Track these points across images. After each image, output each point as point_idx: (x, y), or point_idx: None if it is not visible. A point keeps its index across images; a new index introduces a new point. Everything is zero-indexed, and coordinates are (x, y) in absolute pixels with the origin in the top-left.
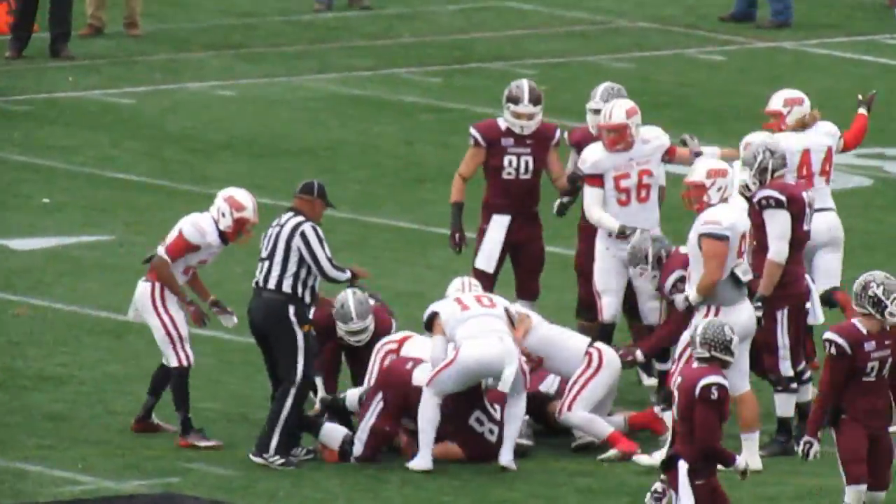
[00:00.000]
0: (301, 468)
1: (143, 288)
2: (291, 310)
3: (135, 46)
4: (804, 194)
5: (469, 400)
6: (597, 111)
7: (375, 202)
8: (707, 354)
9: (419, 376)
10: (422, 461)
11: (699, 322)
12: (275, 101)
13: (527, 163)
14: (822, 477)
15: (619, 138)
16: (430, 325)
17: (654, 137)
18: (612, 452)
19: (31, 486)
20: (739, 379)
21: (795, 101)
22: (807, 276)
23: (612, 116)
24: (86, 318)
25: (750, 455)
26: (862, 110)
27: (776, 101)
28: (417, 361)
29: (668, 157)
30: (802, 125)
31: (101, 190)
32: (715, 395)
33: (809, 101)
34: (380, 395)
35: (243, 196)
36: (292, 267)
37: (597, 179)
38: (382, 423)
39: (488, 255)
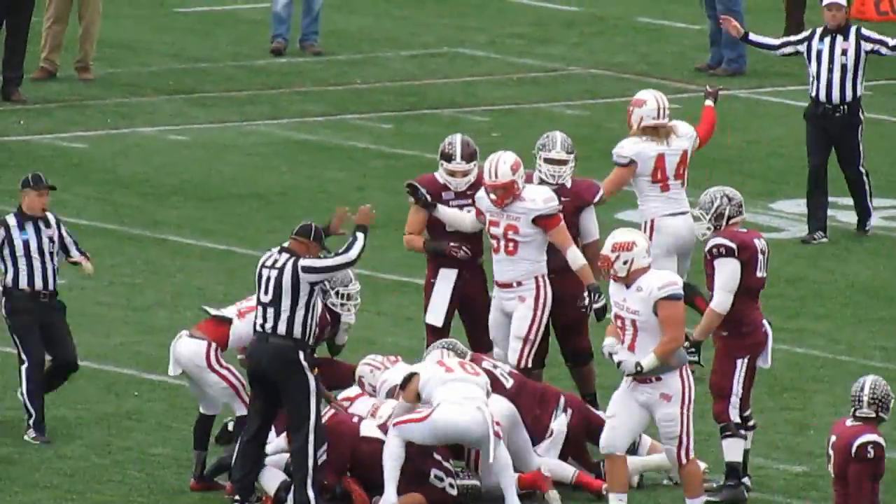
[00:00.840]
0: None
1: (195, 347)
2: (301, 355)
3: (87, 90)
4: (756, 241)
5: (425, 458)
6: (553, 160)
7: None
8: (873, 414)
9: (367, 428)
10: (388, 498)
11: (865, 380)
12: (226, 145)
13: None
14: None
15: (506, 195)
16: (405, 384)
17: (530, 200)
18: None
19: None
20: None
21: (637, 102)
22: (765, 322)
23: (497, 175)
24: None
25: None
26: (709, 102)
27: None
28: (362, 418)
29: (545, 227)
30: (648, 132)
31: None
32: (871, 454)
33: (658, 106)
34: (323, 449)
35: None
36: (301, 311)
37: (481, 215)
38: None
39: (438, 310)
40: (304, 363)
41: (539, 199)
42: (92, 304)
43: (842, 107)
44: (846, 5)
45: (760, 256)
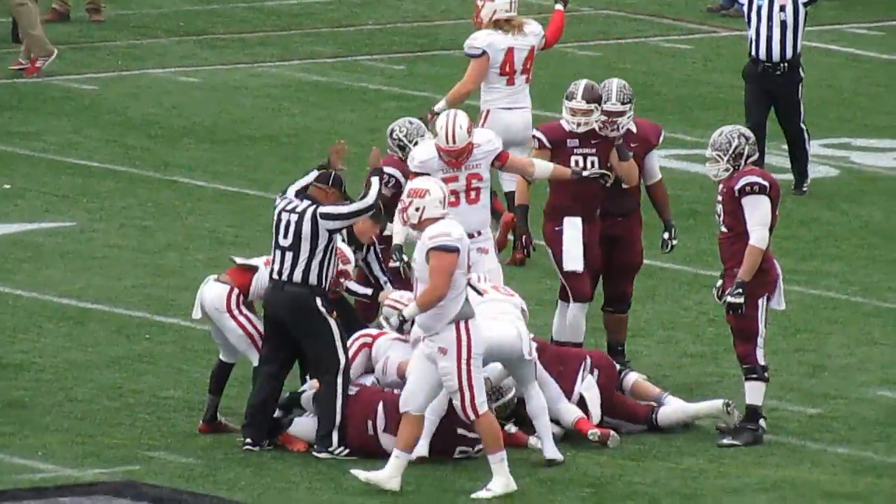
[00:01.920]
0: (263, 457)
1: (218, 290)
2: (319, 301)
3: (97, 32)
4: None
5: (449, 438)
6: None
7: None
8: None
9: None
10: (419, 449)
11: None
12: (237, 87)
13: (593, 163)
14: (787, 468)
15: (465, 155)
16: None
17: (485, 142)
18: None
19: None
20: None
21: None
22: (775, 262)
23: (456, 140)
24: (47, 305)
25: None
26: (559, 6)
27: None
28: (387, 395)
29: (500, 162)
30: (500, 25)
31: (62, 176)
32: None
33: (510, 1)
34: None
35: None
36: (318, 257)
37: None
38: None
39: (576, 255)
40: (322, 309)
41: (493, 138)
42: (102, 246)
43: (782, 64)
44: None
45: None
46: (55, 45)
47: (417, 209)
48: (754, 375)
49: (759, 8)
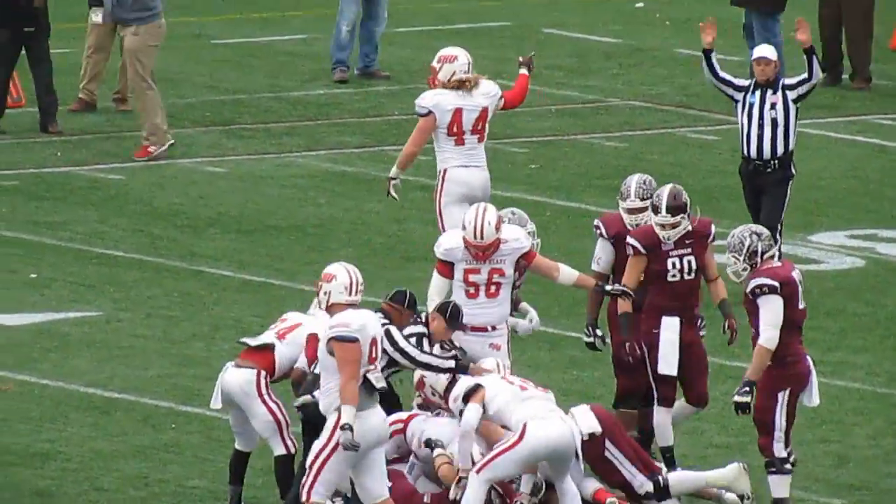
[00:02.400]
0: None
1: (246, 376)
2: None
3: (124, 121)
4: (793, 274)
5: None
6: (632, 210)
7: (365, 280)
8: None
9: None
10: None
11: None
12: (263, 177)
13: (689, 263)
14: None
15: (492, 250)
16: (469, 396)
17: (513, 239)
18: None
19: None
20: (378, 482)
21: (448, 58)
22: (808, 357)
23: (484, 237)
24: (73, 395)
25: None
26: (523, 70)
27: (435, 58)
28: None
29: (525, 262)
30: (459, 85)
31: (88, 266)
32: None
33: (468, 62)
34: None
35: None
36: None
37: (446, 268)
38: None
39: (671, 359)
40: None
41: (521, 237)
42: (129, 336)
43: (773, 162)
44: (775, 59)
45: (800, 288)
46: (81, 134)
47: (325, 293)
48: (773, 469)
49: (751, 106)
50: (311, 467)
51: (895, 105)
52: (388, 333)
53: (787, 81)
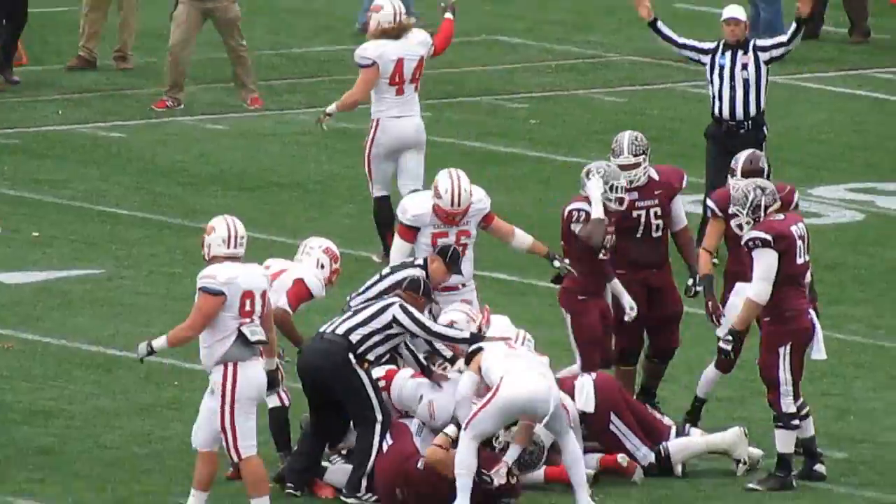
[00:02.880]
0: (292, 503)
1: None
2: (352, 357)
3: (125, 80)
4: (793, 228)
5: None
6: (625, 166)
7: (365, 236)
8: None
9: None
10: None
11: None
12: (265, 134)
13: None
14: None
15: (460, 217)
16: (469, 359)
17: (477, 201)
18: None
19: None
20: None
21: (375, 8)
22: (811, 312)
23: (461, 203)
24: (76, 352)
25: None
26: (448, 15)
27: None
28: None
29: (485, 223)
30: (384, 33)
31: (90, 224)
32: None
33: (394, 11)
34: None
35: (335, 247)
36: (369, 328)
37: (411, 233)
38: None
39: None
40: (354, 362)
41: (483, 197)
42: (131, 293)
43: (746, 122)
44: (745, 20)
45: (799, 243)
46: (82, 93)
47: (206, 245)
48: (780, 423)
49: (721, 68)
50: (224, 431)
51: (895, 59)
52: (404, 307)
53: (760, 43)
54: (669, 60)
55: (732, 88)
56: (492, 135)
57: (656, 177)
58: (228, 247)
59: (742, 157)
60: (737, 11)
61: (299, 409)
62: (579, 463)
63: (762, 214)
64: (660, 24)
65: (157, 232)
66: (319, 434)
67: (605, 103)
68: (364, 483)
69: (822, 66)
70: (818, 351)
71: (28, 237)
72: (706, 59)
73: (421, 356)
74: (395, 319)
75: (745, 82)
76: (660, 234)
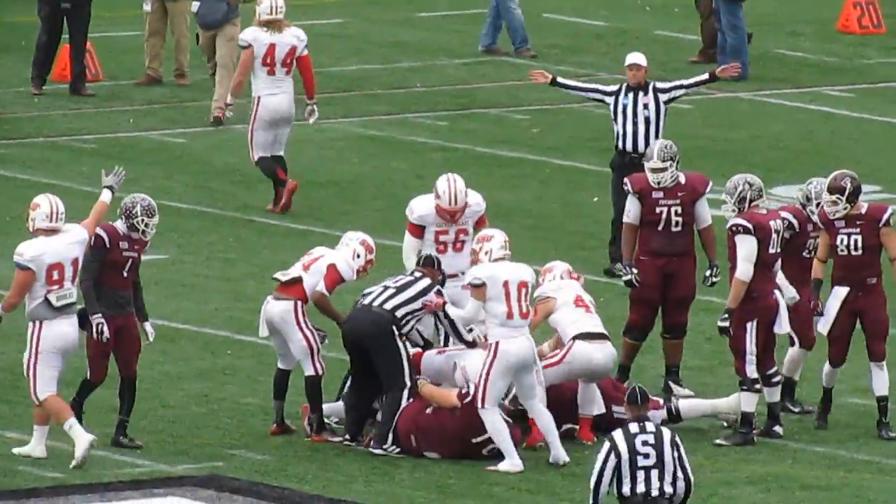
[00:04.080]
0: (328, 454)
1: (284, 306)
2: (395, 329)
3: (186, 93)
4: (771, 222)
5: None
6: (655, 170)
7: (391, 228)
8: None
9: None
10: (512, 464)
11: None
12: (305, 140)
13: (856, 241)
14: (772, 465)
15: (459, 215)
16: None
17: (475, 203)
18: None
19: (96, 468)
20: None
21: (259, 2)
22: (776, 292)
23: (458, 202)
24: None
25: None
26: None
27: None
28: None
29: (478, 224)
30: (265, 24)
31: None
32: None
33: (271, 6)
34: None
35: (371, 240)
36: (412, 306)
37: (418, 230)
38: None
39: (826, 319)
40: (396, 334)
41: (480, 201)
42: (191, 276)
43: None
44: (645, 66)
45: (774, 235)
46: (149, 104)
47: (31, 220)
48: (745, 387)
49: (625, 107)
50: (28, 376)
51: (841, 79)
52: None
53: (660, 85)
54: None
55: (635, 125)
56: (499, 142)
57: (683, 181)
58: (51, 221)
59: (838, 177)
60: (639, 58)
61: (335, 378)
62: (544, 416)
63: (746, 206)
64: (560, 79)
65: (214, 223)
66: (362, 390)
67: (597, 115)
68: (391, 437)
69: (781, 84)
70: (779, 326)
71: None
72: (610, 99)
73: (426, 334)
74: (425, 305)
75: (647, 119)
76: (679, 228)
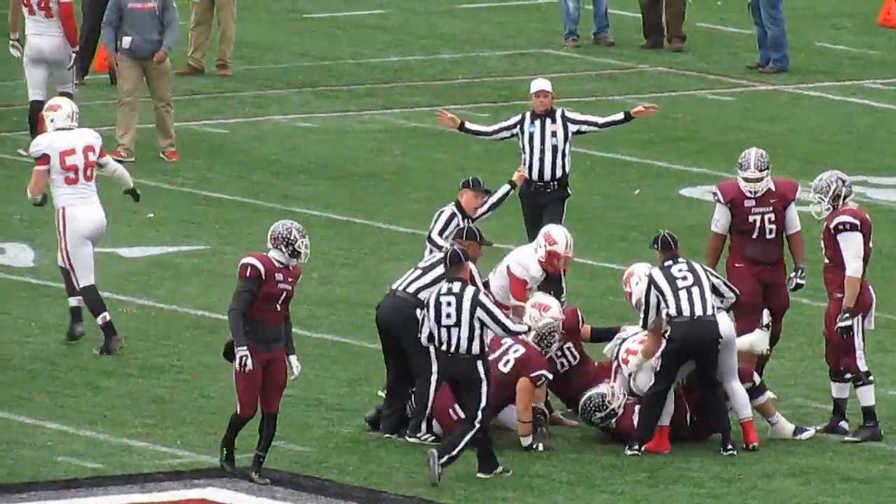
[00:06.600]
0: (368, 446)
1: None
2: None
3: (227, 84)
4: (867, 217)
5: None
6: (749, 179)
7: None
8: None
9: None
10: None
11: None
12: (347, 132)
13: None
14: (811, 457)
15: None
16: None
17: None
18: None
19: (136, 459)
20: None
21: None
22: (871, 287)
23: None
24: (184, 316)
25: None
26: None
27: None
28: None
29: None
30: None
31: (197, 206)
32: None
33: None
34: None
35: (558, 232)
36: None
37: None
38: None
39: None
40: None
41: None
42: (231, 266)
43: (552, 182)
44: (552, 92)
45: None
46: (190, 95)
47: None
48: (860, 381)
49: (531, 135)
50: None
51: (882, 72)
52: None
53: (571, 115)
54: (692, 71)
55: (542, 152)
56: None
57: (773, 188)
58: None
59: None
60: (545, 84)
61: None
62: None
63: (840, 203)
64: (467, 124)
65: (254, 214)
66: (398, 378)
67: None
68: (424, 426)
69: (821, 77)
70: (870, 321)
71: (144, 218)
72: (515, 129)
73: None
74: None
75: (554, 147)
76: (773, 236)
